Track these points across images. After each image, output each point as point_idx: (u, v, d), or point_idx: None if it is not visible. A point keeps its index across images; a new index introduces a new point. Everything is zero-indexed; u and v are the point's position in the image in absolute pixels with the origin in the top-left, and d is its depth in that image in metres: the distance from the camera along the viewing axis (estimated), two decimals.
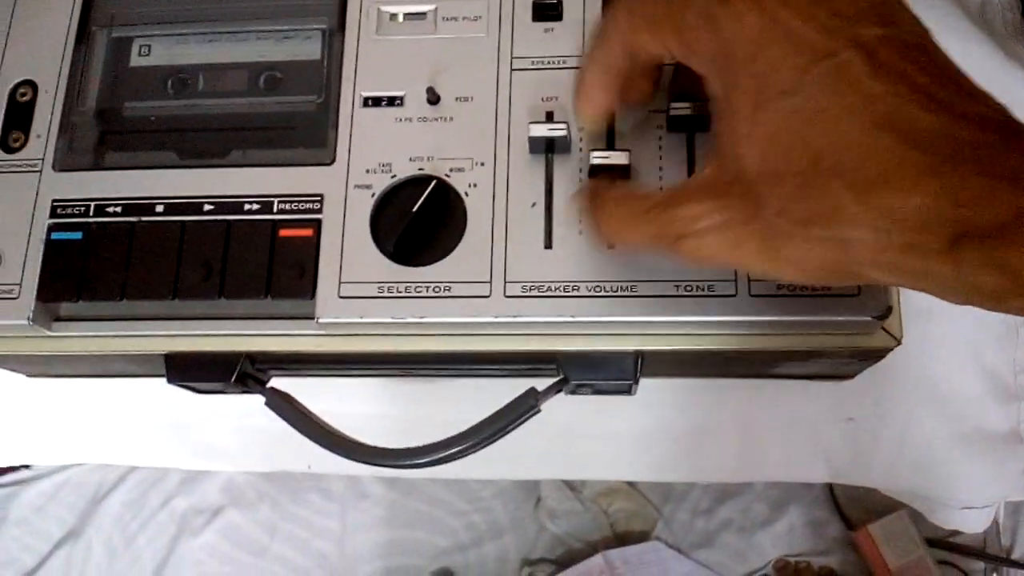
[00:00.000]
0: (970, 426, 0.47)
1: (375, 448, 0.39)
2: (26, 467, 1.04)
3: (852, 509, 0.99)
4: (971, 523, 0.51)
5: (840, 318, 0.34)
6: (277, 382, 0.41)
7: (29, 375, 0.47)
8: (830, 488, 1.00)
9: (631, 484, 1.03)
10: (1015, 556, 0.96)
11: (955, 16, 0.52)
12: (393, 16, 0.40)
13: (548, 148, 0.37)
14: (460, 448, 0.39)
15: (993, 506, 0.50)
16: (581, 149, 0.37)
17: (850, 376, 0.43)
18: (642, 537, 1.01)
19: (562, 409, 0.42)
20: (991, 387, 0.48)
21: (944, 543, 0.96)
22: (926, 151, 0.23)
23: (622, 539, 1.01)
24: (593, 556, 0.98)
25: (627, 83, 0.32)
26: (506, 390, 0.39)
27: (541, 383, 0.39)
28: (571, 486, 1.03)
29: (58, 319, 0.39)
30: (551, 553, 1.02)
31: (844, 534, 0.99)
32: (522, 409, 0.38)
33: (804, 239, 0.25)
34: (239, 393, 0.41)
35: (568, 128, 0.35)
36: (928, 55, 0.25)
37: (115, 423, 0.50)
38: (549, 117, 0.37)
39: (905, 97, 0.24)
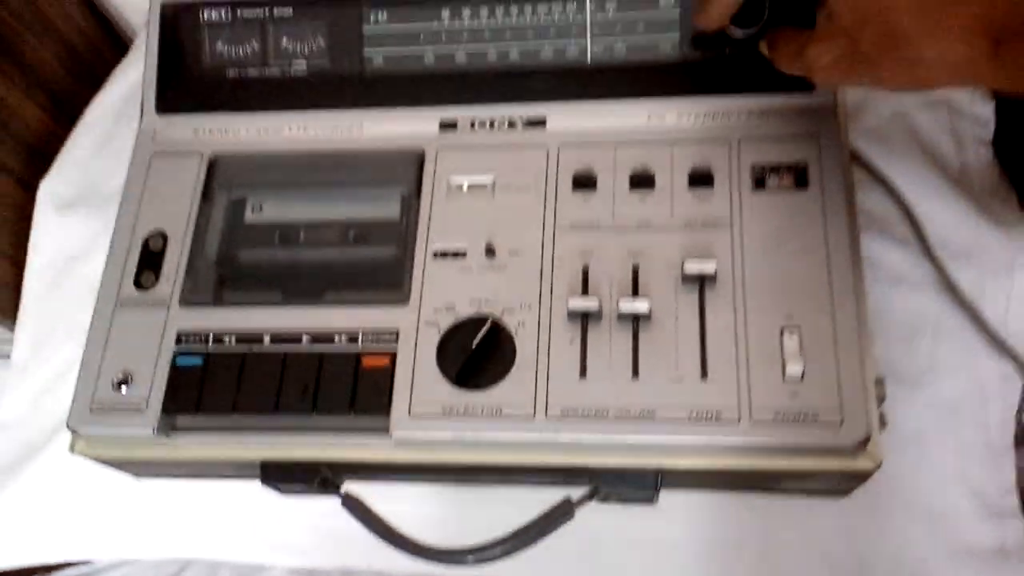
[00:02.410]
0: (960, 543, 0.52)
1: (430, 548, 0.46)
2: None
3: None
4: None
5: (827, 443, 0.41)
6: (348, 485, 0.49)
7: (137, 476, 0.54)
8: None
9: None
10: None
11: (936, 176, 0.59)
12: (459, 186, 0.49)
13: (583, 318, 0.44)
14: (503, 549, 0.45)
15: None
16: (611, 291, 0.45)
17: (845, 493, 0.49)
18: None
19: (593, 518, 0.48)
20: (979, 506, 0.52)
21: None
22: None
23: None
24: None
25: None
26: (545, 497, 0.46)
27: (575, 492, 0.45)
28: None
29: (175, 429, 0.47)
30: None
31: None
32: (558, 515, 0.45)
33: (890, 60, 0.37)
34: (317, 494, 0.48)
35: (599, 302, 0.43)
36: None
37: (200, 519, 0.56)
38: (585, 275, 0.45)
39: None
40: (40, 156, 0.71)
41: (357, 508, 0.47)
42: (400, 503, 0.51)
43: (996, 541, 0.52)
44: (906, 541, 0.52)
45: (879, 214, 0.58)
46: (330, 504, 0.49)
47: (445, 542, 0.47)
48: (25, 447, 0.60)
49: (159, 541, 0.56)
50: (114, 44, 0.83)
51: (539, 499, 0.46)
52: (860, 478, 0.44)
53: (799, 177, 0.46)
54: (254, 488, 0.48)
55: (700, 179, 0.47)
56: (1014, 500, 0.53)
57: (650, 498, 0.46)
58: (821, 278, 0.43)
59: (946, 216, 0.58)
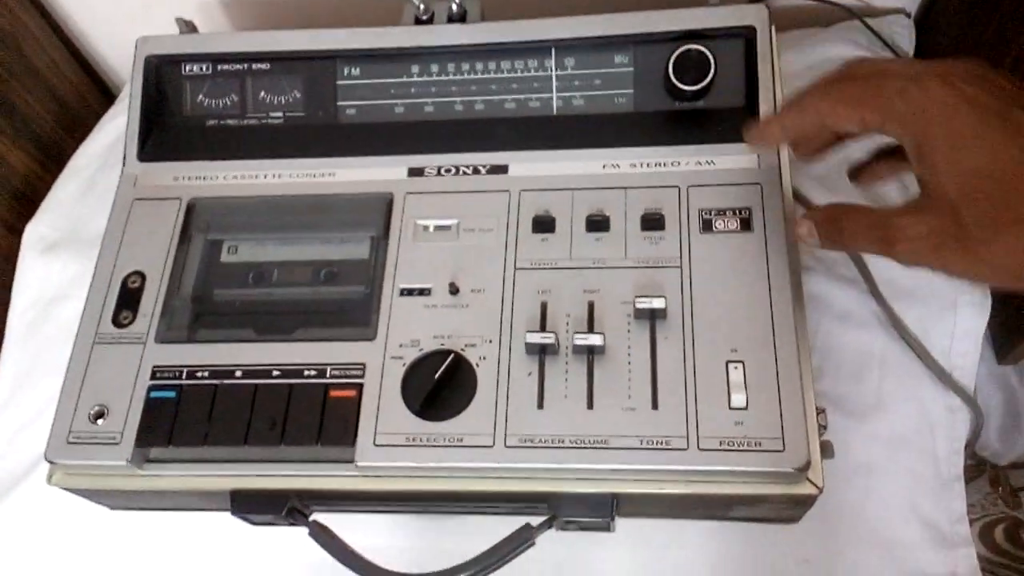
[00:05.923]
0: (912, 571, 0.54)
1: (394, 573, 0.47)
2: None
3: None
4: None
5: (770, 469, 0.43)
6: (317, 516, 0.50)
7: (112, 508, 0.56)
8: None
9: None
10: None
11: None
12: (426, 227, 0.52)
13: (541, 352, 0.47)
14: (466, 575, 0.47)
15: None
16: (567, 326, 0.47)
17: (794, 520, 0.51)
18: None
19: (555, 547, 0.50)
20: (930, 535, 0.55)
21: None
22: None
23: None
24: None
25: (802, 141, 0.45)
26: (506, 526, 0.47)
27: (535, 520, 0.47)
28: None
29: (148, 461, 0.49)
30: None
31: None
32: (519, 541, 0.46)
33: (997, 243, 0.35)
34: (286, 525, 0.50)
35: (556, 336, 0.46)
36: None
37: (173, 551, 0.58)
38: (543, 311, 0.48)
39: None
40: (27, 202, 0.74)
41: (323, 536, 0.48)
42: (369, 537, 0.53)
43: (948, 569, 0.54)
44: (858, 569, 0.54)
45: (827, 255, 0.61)
46: (301, 536, 0.50)
47: (409, 570, 0.49)
48: (3, 481, 0.62)
49: (132, 573, 0.57)
50: (101, 94, 0.87)
51: (499, 529, 0.48)
52: (805, 503, 0.46)
53: (744, 220, 0.49)
54: (226, 520, 0.50)
55: (652, 222, 0.50)
56: (964, 529, 0.55)
57: (606, 525, 0.48)
58: (764, 314, 0.46)
59: None
